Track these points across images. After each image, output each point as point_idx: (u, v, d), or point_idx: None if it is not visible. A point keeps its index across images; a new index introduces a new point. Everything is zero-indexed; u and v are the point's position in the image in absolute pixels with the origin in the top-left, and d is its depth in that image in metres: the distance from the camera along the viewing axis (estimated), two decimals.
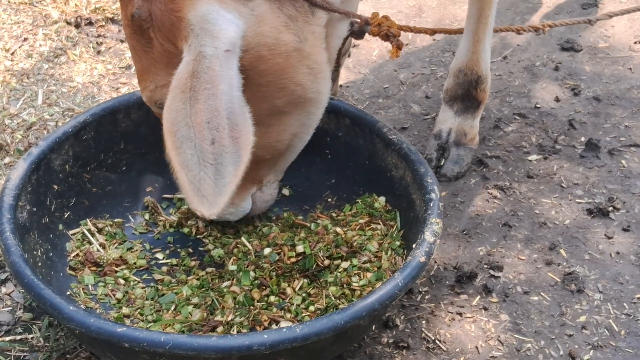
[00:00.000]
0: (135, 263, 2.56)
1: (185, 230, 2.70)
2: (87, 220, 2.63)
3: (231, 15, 1.98)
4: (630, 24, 3.97)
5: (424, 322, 2.51)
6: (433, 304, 2.57)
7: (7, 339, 2.41)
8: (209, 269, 2.54)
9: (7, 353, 2.37)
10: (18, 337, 2.42)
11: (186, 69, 1.92)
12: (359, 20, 2.47)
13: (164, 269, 2.57)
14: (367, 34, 2.53)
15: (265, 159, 2.37)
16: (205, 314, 2.34)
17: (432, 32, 2.72)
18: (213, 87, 1.90)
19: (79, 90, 3.46)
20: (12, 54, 3.66)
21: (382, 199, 2.67)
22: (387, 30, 2.45)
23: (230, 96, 1.93)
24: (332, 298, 2.36)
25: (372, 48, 3.79)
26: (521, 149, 3.20)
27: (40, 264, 2.37)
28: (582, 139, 3.25)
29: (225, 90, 1.91)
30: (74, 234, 2.59)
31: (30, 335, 2.42)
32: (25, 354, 2.37)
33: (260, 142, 2.07)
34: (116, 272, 2.51)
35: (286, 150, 2.44)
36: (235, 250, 2.57)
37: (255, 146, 1.96)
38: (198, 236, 2.68)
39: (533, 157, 3.16)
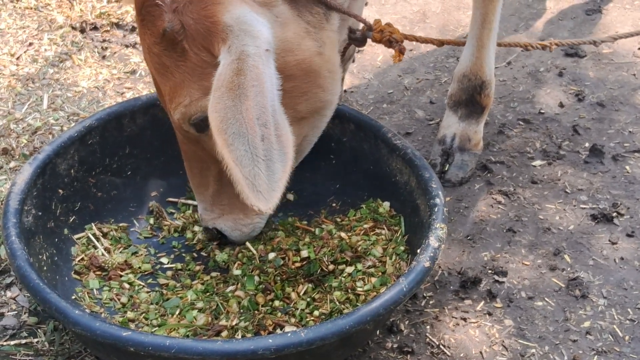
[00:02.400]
0: (140, 267, 2.56)
1: (189, 235, 2.70)
2: (92, 224, 2.64)
3: (262, 19, 2.02)
4: (635, 30, 3.97)
5: (428, 327, 2.51)
6: (437, 309, 2.57)
7: (12, 342, 2.41)
8: (213, 274, 2.54)
9: (13, 357, 2.37)
10: (23, 341, 2.42)
11: (230, 67, 1.94)
12: (360, 27, 2.48)
13: (169, 273, 2.57)
14: (369, 41, 2.54)
15: None
16: (209, 319, 2.34)
17: (440, 43, 2.74)
18: (260, 85, 1.93)
19: (84, 95, 3.47)
20: (18, 58, 3.67)
21: (386, 204, 2.67)
22: (389, 36, 2.46)
23: (273, 95, 1.97)
24: (337, 303, 2.36)
25: (376, 53, 3.80)
26: (525, 155, 3.20)
27: (45, 268, 2.38)
28: (586, 144, 3.25)
29: (269, 88, 1.96)
30: (79, 238, 2.59)
31: (36, 339, 2.43)
32: (30, 357, 2.38)
33: None
34: (121, 276, 2.52)
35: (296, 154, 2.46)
36: (239, 255, 2.57)
37: None
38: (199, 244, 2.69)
39: (537, 162, 3.17)
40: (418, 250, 2.27)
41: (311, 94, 2.24)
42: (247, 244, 2.58)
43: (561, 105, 3.48)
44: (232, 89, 1.92)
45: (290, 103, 2.16)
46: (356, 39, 2.52)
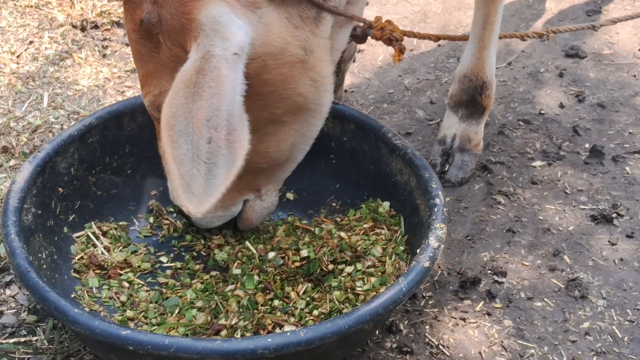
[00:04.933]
0: (139, 266, 2.56)
1: (188, 237, 2.69)
2: (92, 223, 2.64)
3: (241, 21, 1.99)
4: (635, 30, 3.98)
5: (427, 327, 2.51)
6: (437, 309, 2.57)
7: (11, 341, 2.41)
8: (213, 273, 2.54)
9: (12, 355, 2.37)
10: (22, 340, 2.42)
11: (193, 65, 1.92)
12: (361, 24, 2.47)
13: (168, 272, 2.57)
14: (369, 38, 2.53)
15: (263, 168, 2.37)
16: (209, 318, 2.34)
17: (436, 38, 2.72)
18: (218, 87, 1.90)
19: (85, 94, 3.47)
20: (18, 56, 3.67)
21: (386, 204, 2.67)
22: (389, 34, 2.45)
23: (233, 99, 1.92)
24: (336, 302, 2.36)
25: (377, 53, 3.80)
26: (525, 155, 3.20)
27: (45, 266, 2.38)
28: (587, 145, 3.25)
29: (228, 92, 1.91)
30: (78, 237, 2.59)
31: (35, 338, 2.43)
32: (29, 356, 2.38)
33: (258, 150, 2.08)
34: (120, 275, 2.52)
35: (285, 161, 2.44)
36: (239, 254, 2.57)
37: (253, 154, 1.96)
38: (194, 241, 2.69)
39: (537, 163, 3.17)
40: (418, 250, 2.27)
41: (290, 101, 2.21)
42: (247, 243, 2.58)
43: (561, 106, 3.48)
44: (189, 87, 1.89)
45: (267, 106, 2.15)
46: (356, 36, 2.52)
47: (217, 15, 1.96)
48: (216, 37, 1.94)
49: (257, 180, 2.44)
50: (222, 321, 2.31)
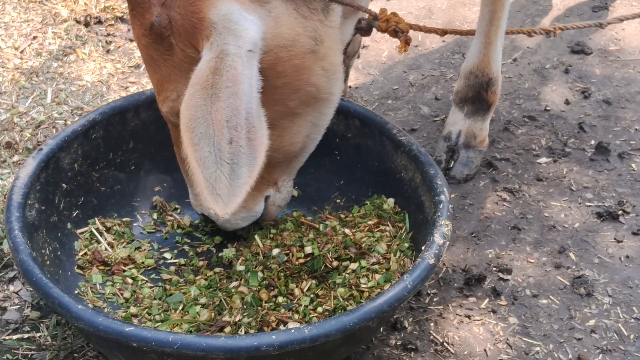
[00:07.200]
0: (143, 262, 2.55)
1: (197, 233, 2.69)
2: (96, 219, 2.63)
3: (251, 17, 1.98)
4: None
5: (432, 324, 2.50)
6: (441, 307, 2.56)
7: (14, 337, 2.41)
8: (217, 269, 2.54)
9: (15, 351, 2.37)
10: (26, 336, 2.42)
11: (208, 65, 1.90)
12: (367, 17, 2.45)
13: (172, 268, 2.56)
14: (375, 31, 2.51)
15: (279, 162, 2.37)
16: (213, 314, 2.33)
17: (443, 32, 2.70)
18: (235, 86, 1.89)
19: (88, 89, 3.46)
20: (22, 52, 3.66)
21: (391, 201, 2.66)
22: (395, 26, 2.43)
23: (250, 97, 1.92)
24: (341, 299, 2.35)
25: (381, 49, 3.78)
26: (531, 152, 3.19)
27: (48, 262, 2.37)
28: (592, 142, 3.24)
29: (245, 90, 1.91)
30: (82, 233, 2.58)
31: (38, 334, 2.42)
32: (32, 352, 2.37)
33: (274, 145, 2.07)
34: (124, 271, 2.51)
35: (300, 151, 2.44)
36: (243, 250, 2.56)
37: (270, 149, 1.96)
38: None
39: (543, 160, 3.15)
40: (422, 247, 2.26)
41: (303, 92, 2.21)
42: (256, 237, 2.57)
43: (567, 102, 3.46)
44: (206, 88, 1.88)
45: (281, 99, 2.14)
46: (362, 29, 2.49)
47: (227, 12, 1.95)
48: (229, 35, 1.93)
49: (274, 174, 2.44)
50: (226, 318, 2.31)
